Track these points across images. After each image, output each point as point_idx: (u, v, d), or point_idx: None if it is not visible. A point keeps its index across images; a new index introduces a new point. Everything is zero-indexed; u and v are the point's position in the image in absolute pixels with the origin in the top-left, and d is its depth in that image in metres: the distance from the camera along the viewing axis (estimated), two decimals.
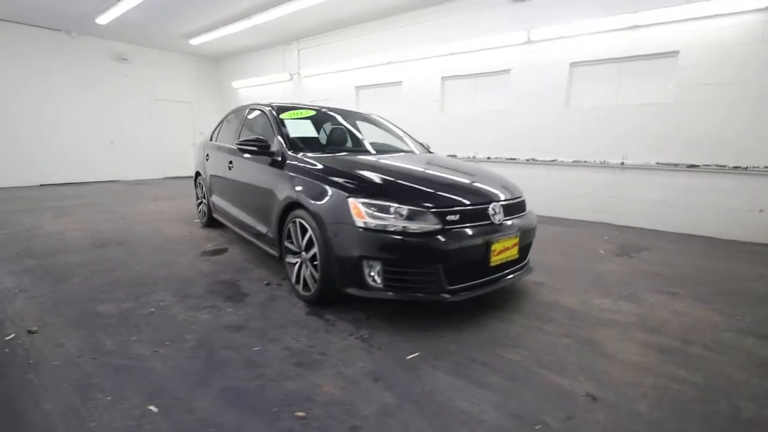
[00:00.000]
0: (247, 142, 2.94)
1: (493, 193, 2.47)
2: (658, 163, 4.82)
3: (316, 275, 2.37)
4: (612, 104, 5.11)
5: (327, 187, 2.33)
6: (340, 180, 2.34)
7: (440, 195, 2.28)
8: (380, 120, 3.99)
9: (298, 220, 2.48)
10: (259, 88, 9.96)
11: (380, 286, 2.13)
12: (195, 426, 1.43)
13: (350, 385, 1.69)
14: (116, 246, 3.79)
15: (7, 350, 1.92)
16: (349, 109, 4.10)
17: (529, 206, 2.75)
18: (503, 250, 2.29)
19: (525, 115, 5.79)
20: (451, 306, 2.37)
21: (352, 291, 2.21)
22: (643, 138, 4.89)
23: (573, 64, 5.33)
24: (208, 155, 4.28)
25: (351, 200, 2.17)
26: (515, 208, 2.54)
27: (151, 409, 1.51)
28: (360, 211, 2.13)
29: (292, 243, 2.61)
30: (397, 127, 3.98)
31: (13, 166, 7.98)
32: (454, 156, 6.20)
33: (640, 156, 4.94)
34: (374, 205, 2.13)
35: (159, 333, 2.11)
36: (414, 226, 2.08)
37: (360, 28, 7.47)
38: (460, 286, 2.18)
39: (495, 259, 2.26)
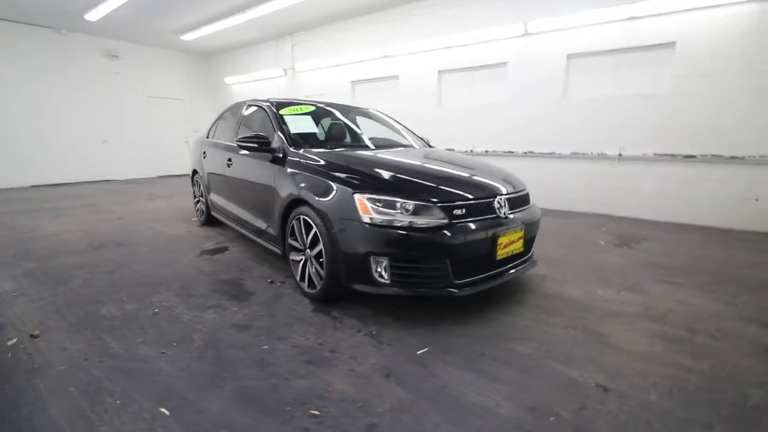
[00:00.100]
0: (247, 139, 2.90)
1: (498, 186, 2.46)
2: (655, 154, 4.85)
3: (322, 272, 2.35)
4: (609, 95, 5.12)
5: (331, 184, 2.31)
6: (344, 176, 2.32)
7: (446, 189, 2.27)
8: (380, 115, 3.96)
9: (302, 217, 2.46)
10: (252, 84, 9.84)
11: (388, 281, 2.12)
12: (208, 427, 1.42)
13: (362, 382, 1.68)
14: (115, 247, 3.74)
15: (9, 355, 1.88)
16: (347, 104, 4.06)
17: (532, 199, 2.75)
18: (509, 243, 2.30)
19: (522, 107, 5.78)
20: (456, 300, 2.37)
21: (359, 287, 2.20)
22: (640, 129, 4.91)
23: (570, 56, 5.32)
24: (205, 153, 4.22)
25: (357, 196, 2.16)
26: (520, 201, 2.55)
27: (162, 412, 1.49)
28: (366, 207, 2.11)
29: (296, 240, 2.58)
30: (396, 121, 3.96)
31: (3, 167, 7.80)
32: (452, 150, 6.18)
33: (637, 147, 4.96)
34: (380, 201, 2.12)
35: (165, 334, 2.09)
36: (421, 221, 2.07)
37: (355, 21, 7.38)
38: (467, 280, 2.18)
39: (501, 253, 2.26)
